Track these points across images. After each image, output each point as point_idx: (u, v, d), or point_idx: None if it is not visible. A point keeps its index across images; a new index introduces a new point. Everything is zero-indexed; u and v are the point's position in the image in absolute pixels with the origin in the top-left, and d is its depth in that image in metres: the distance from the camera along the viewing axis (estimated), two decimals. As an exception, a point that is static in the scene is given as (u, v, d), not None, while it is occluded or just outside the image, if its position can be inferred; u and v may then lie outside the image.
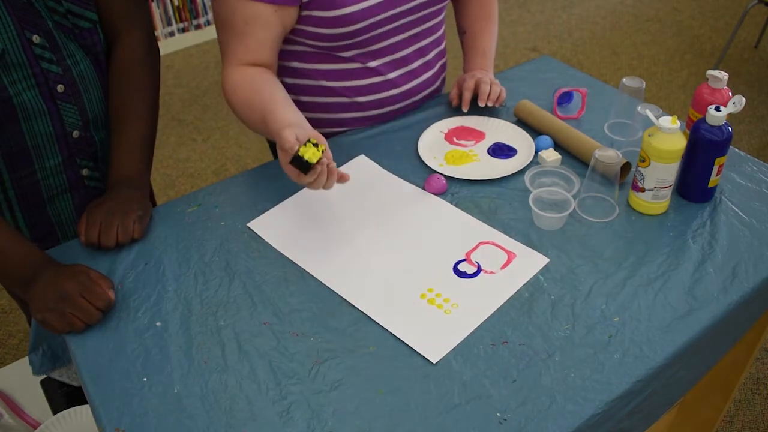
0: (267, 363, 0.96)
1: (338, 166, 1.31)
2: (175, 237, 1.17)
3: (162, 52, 3.74)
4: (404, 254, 1.13)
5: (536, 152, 1.33)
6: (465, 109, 1.38)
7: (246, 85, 1.20)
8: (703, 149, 1.15)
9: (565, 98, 1.47)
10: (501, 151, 1.34)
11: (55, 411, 1.51)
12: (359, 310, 1.04)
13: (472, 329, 1.00)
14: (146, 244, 1.16)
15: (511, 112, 1.46)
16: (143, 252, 1.14)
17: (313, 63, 1.32)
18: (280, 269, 1.11)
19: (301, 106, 1.36)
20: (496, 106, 1.40)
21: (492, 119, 1.41)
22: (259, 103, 1.16)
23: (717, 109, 1.13)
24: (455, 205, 1.22)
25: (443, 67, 1.49)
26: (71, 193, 1.25)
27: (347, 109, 1.38)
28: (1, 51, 1.04)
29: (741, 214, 1.20)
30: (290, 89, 1.34)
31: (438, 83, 1.48)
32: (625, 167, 1.24)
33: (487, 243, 1.15)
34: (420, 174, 1.29)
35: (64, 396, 1.53)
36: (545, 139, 1.33)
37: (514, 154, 1.33)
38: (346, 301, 1.05)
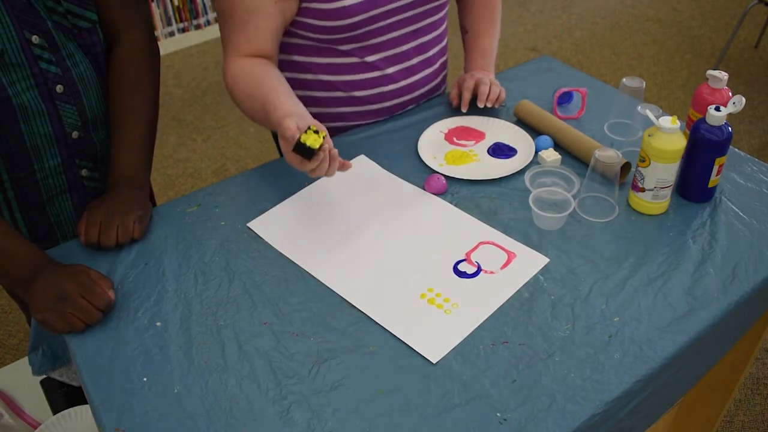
0: (267, 363, 0.96)
1: (338, 166, 1.31)
2: (175, 237, 1.17)
3: (162, 52, 3.74)
4: (404, 254, 1.13)
5: (536, 152, 1.33)
6: (464, 110, 1.38)
7: (247, 76, 1.21)
8: (703, 149, 1.15)
9: (565, 98, 1.47)
10: (501, 151, 1.34)
11: (55, 411, 1.51)
12: (359, 310, 1.04)
13: (472, 329, 1.00)
14: (146, 244, 1.16)
15: (511, 112, 1.46)
16: (143, 252, 1.14)
17: (312, 56, 1.32)
18: (280, 269, 1.11)
19: (301, 101, 1.36)
20: (496, 106, 1.40)
21: (492, 119, 1.41)
22: (260, 93, 1.17)
23: (717, 109, 1.13)
24: (455, 205, 1.22)
25: (444, 65, 1.49)
26: (70, 193, 1.25)
27: (345, 103, 1.38)
28: (1, 51, 1.04)
29: (741, 214, 1.19)
30: (290, 83, 1.35)
31: (438, 80, 1.48)
32: (625, 167, 1.24)
33: (487, 243, 1.15)
34: (420, 174, 1.29)
35: (64, 396, 1.53)
36: (545, 139, 1.34)
37: (514, 154, 1.33)
38: (346, 301, 1.05)
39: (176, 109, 3.34)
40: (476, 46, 1.47)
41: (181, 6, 3.71)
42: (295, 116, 1.08)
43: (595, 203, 1.21)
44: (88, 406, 1.34)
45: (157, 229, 1.19)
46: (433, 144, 1.36)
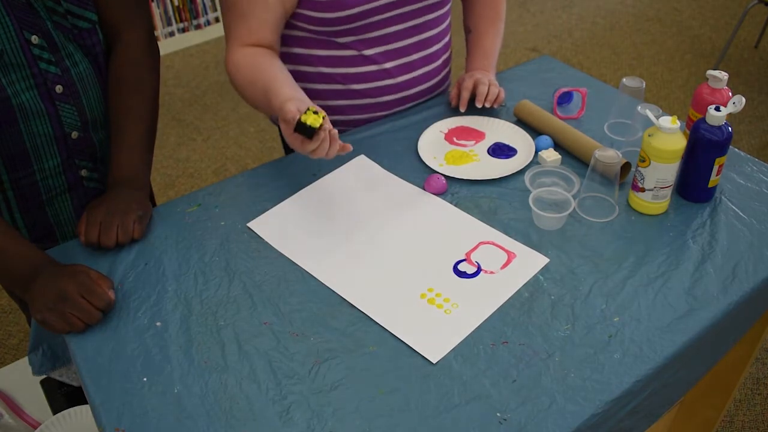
0: (267, 363, 0.96)
1: (338, 166, 1.31)
2: (175, 237, 1.17)
3: (162, 52, 3.74)
4: (404, 254, 1.13)
5: (536, 152, 1.33)
6: (462, 109, 1.38)
7: (249, 64, 1.24)
8: (703, 149, 1.15)
9: (565, 98, 1.47)
10: (501, 151, 1.34)
11: (55, 411, 1.51)
12: (359, 310, 1.04)
13: (472, 329, 1.00)
14: (146, 244, 1.16)
15: (511, 112, 1.46)
16: (143, 252, 1.14)
17: (312, 49, 1.34)
18: (280, 269, 1.11)
19: None
20: (495, 107, 1.40)
21: (492, 119, 1.41)
22: (262, 80, 1.20)
23: (717, 109, 1.13)
24: (455, 205, 1.22)
25: (446, 63, 1.48)
26: (70, 193, 1.25)
27: (344, 96, 1.39)
28: (0, 51, 1.04)
29: (741, 214, 1.19)
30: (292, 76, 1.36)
31: (440, 78, 1.48)
32: (625, 167, 1.24)
33: (487, 243, 1.15)
34: (420, 174, 1.29)
35: (64, 396, 1.53)
36: (545, 139, 1.33)
37: (514, 154, 1.33)
38: (346, 301, 1.05)
39: (176, 109, 3.34)
40: (478, 45, 1.47)
41: (181, 6, 3.71)
42: (295, 100, 1.11)
43: (595, 203, 1.21)
44: (88, 406, 1.34)
45: (157, 229, 1.19)
46: (433, 144, 1.36)
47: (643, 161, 1.15)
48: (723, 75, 1.22)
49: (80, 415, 1.41)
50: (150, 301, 1.06)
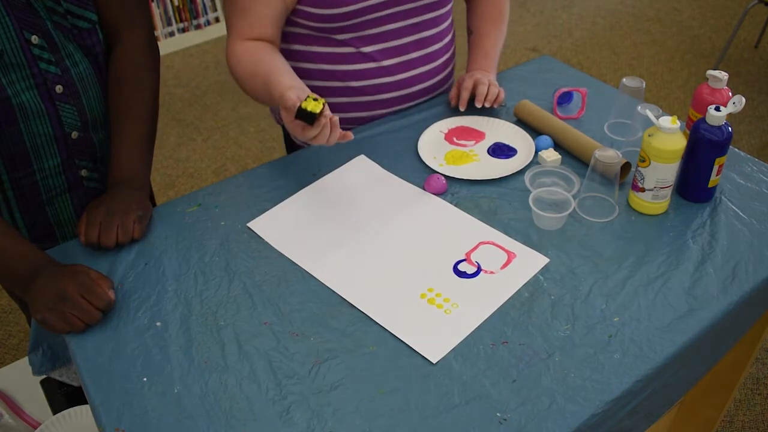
0: (267, 363, 0.96)
1: (338, 166, 1.31)
2: (175, 237, 1.17)
3: (162, 52, 3.74)
4: (404, 254, 1.13)
5: (536, 152, 1.33)
6: (462, 108, 1.39)
7: (249, 56, 1.25)
8: (703, 149, 1.15)
9: (565, 98, 1.47)
10: (501, 151, 1.34)
11: (55, 411, 1.51)
12: (359, 310, 1.04)
13: (472, 329, 1.00)
14: (146, 244, 1.16)
15: (511, 112, 1.46)
16: (143, 252, 1.14)
17: (311, 46, 1.35)
18: (280, 269, 1.11)
19: None
20: (495, 107, 1.40)
21: (492, 119, 1.41)
22: (262, 72, 1.22)
23: (717, 109, 1.13)
24: (455, 205, 1.22)
25: (448, 63, 1.48)
26: (70, 193, 1.25)
27: (342, 93, 1.39)
28: (0, 51, 1.04)
29: (741, 214, 1.19)
30: None
31: (441, 77, 1.47)
32: (625, 167, 1.24)
33: (487, 243, 1.15)
34: (420, 174, 1.29)
35: (64, 396, 1.53)
36: (545, 139, 1.33)
37: (514, 154, 1.33)
38: (346, 301, 1.05)
39: (176, 109, 3.34)
40: (479, 46, 1.48)
41: (181, 6, 3.71)
42: (295, 88, 1.13)
43: (595, 203, 1.21)
44: (88, 406, 1.34)
45: (157, 229, 1.19)
46: (433, 144, 1.36)
47: (643, 161, 1.15)
48: (723, 75, 1.22)
49: (80, 415, 1.41)
50: (150, 301, 1.06)
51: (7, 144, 1.12)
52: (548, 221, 1.16)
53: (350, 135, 1.16)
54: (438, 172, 1.28)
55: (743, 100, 1.12)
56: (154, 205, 1.37)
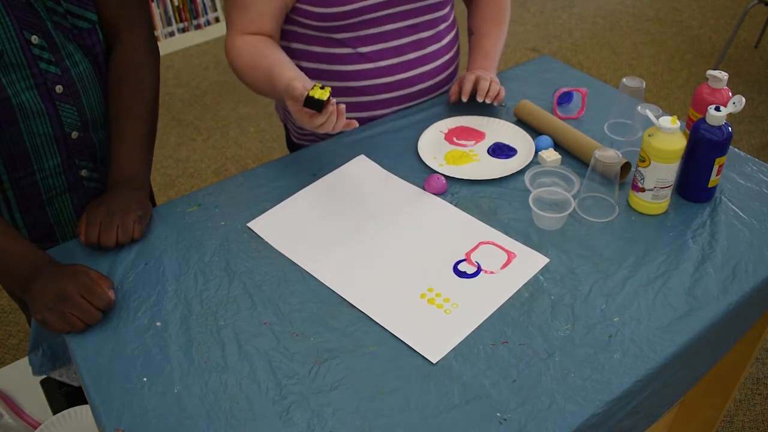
0: (267, 363, 0.96)
1: (338, 166, 1.31)
2: (175, 237, 1.17)
3: (162, 52, 3.74)
4: (404, 254, 1.13)
5: (536, 152, 1.33)
6: (464, 98, 1.38)
7: (250, 50, 1.28)
8: (703, 149, 1.15)
9: (565, 98, 1.47)
10: (501, 151, 1.34)
11: (55, 411, 1.51)
12: (359, 310, 1.04)
13: (472, 329, 1.00)
14: (146, 244, 1.16)
15: (511, 112, 1.46)
16: (143, 252, 1.14)
17: (310, 45, 1.36)
18: (280, 269, 1.11)
19: None
20: (495, 104, 1.40)
21: (492, 119, 1.41)
22: (263, 65, 1.24)
23: (717, 109, 1.13)
24: (455, 205, 1.22)
25: (448, 64, 1.48)
26: (70, 193, 1.25)
27: (340, 93, 1.40)
28: (0, 51, 1.04)
29: (741, 214, 1.19)
30: None
31: (441, 78, 1.47)
32: (625, 167, 1.24)
33: (487, 243, 1.15)
34: (420, 174, 1.29)
35: (64, 396, 1.53)
36: (545, 139, 1.33)
37: (514, 154, 1.33)
38: (346, 301, 1.05)
39: (176, 109, 3.34)
40: (480, 46, 1.48)
41: (181, 6, 3.71)
42: (300, 79, 1.16)
43: (595, 203, 1.21)
44: (88, 406, 1.34)
45: (157, 229, 1.19)
46: (433, 144, 1.36)
47: (643, 161, 1.15)
48: (723, 75, 1.22)
49: (80, 415, 1.41)
50: (150, 301, 1.06)
51: (7, 144, 1.12)
52: (548, 221, 1.16)
53: (355, 123, 1.18)
54: (438, 172, 1.28)
55: (743, 100, 1.12)
56: (154, 205, 1.37)
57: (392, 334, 1.00)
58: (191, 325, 1.02)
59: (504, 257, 1.12)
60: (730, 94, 1.23)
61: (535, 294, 1.06)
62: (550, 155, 1.30)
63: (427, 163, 1.30)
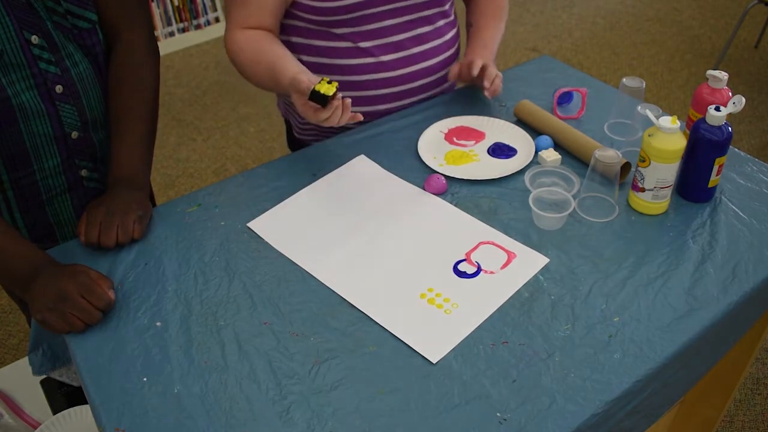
0: (267, 363, 0.96)
1: (338, 166, 1.31)
2: (175, 237, 1.17)
3: (162, 52, 3.74)
4: (404, 254, 1.13)
5: (536, 152, 1.33)
6: (474, 73, 1.34)
7: (251, 44, 1.29)
8: (703, 149, 1.15)
9: (565, 98, 1.47)
10: (501, 151, 1.34)
11: (55, 411, 1.51)
12: (359, 310, 1.04)
13: (472, 329, 1.00)
14: (146, 244, 1.16)
15: (511, 112, 1.46)
16: (143, 252, 1.14)
17: (310, 39, 1.36)
18: (280, 269, 1.11)
19: None
20: (489, 98, 1.40)
21: (492, 119, 1.41)
22: (266, 60, 1.25)
23: (717, 109, 1.13)
24: (455, 205, 1.22)
25: (450, 60, 1.47)
26: (70, 193, 1.25)
27: (342, 87, 1.40)
28: (0, 51, 1.04)
29: (741, 214, 1.19)
30: None
31: (442, 74, 1.46)
32: (625, 167, 1.24)
33: (487, 243, 1.15)
34: (420, 174, 1.29)
35: (64, 396, 1.54)
36: (545, 139, 1.33)
37: (514, 154, 1.33)
38: (346, 301, 1.05)
39: (176, 109, 3.34)
40: (478, 37, 1.47)
41: (181, 6, 3.71)
42: (305, 73, 1.19)
43: (595, 203, 1.21)
44: (88, 406, 1.34)
45: (157, 229, 1.19)
46: (433, 144, 1.36)
47: (643, 161, 1.15)
48: (723, 75, 1.22)
49: (80, 415, 1.41)
50: (150, 301, 1.06)
51: (7, 144, 1.12)
52: (548, 221, 1.16)
53: (360, 116, 1.19)
54: (438, 172, 1.28)
55: (743, 100, 1.12)
56: (154, 205, 1.37)
57: (392, 334, 1.00)
58: (191, 325, 1.02)
59: (504, 257, 1.12)
60: (730, 94, 1.23)
61: (535, 294, 1.06)
62: (550, 155, 1.30)
63: (427, 163, 1.30)
